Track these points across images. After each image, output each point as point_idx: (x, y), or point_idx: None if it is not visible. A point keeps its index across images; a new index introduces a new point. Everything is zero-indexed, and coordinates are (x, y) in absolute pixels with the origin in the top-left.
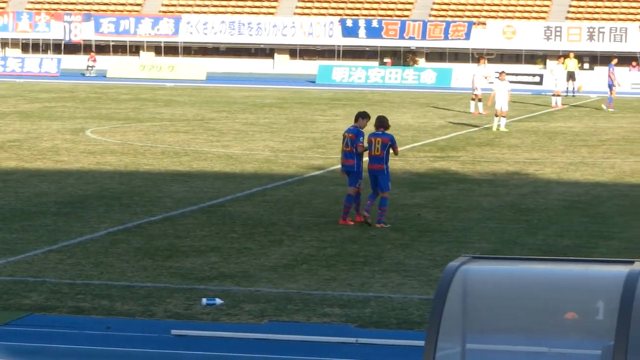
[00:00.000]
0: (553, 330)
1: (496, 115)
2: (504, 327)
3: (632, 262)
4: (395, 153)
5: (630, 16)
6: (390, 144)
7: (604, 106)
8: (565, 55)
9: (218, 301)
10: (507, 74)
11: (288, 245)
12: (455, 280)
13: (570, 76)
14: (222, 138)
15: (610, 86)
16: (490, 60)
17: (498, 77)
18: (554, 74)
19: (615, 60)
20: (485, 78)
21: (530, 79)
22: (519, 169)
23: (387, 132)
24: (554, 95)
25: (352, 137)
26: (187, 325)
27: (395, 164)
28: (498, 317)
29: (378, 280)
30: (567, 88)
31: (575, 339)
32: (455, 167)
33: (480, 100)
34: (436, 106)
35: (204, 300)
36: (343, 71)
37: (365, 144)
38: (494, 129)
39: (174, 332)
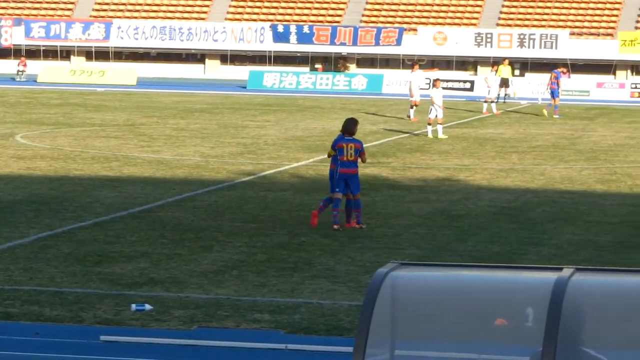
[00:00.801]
0: (482, 336)
1: (429, 124)
2: (433, 333)
3: (560, 269)
4: (363, 160)
5: (560, 23)
6: (361, 149)
7: (555, 116)
8: (498, 62)
9: (147, 307)
10: (437, 80)
11: (218, 251)
12: (384, 286)
13: (504, 83)
14: (152, 143)
15: (555, 93)
16: (420, 67)
17: (433, 85)
18: (487, 82)
19: (562, 69)
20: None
21: (461, 85)
22: (449, 175)
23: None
24: (485, 101)
25: (358, 146)
26: (117, 331)
27: (325, 170)
28: (427, 323)
29: (308, 287)
30: (499, 94)
31: (504, 345)
32: (385, 173)
33: (416, 106)
34: (367, 112)
35: (134, 306)
36: (274, 77)
37: (332, 152)
38: (430, 135)
39: (103, 338)
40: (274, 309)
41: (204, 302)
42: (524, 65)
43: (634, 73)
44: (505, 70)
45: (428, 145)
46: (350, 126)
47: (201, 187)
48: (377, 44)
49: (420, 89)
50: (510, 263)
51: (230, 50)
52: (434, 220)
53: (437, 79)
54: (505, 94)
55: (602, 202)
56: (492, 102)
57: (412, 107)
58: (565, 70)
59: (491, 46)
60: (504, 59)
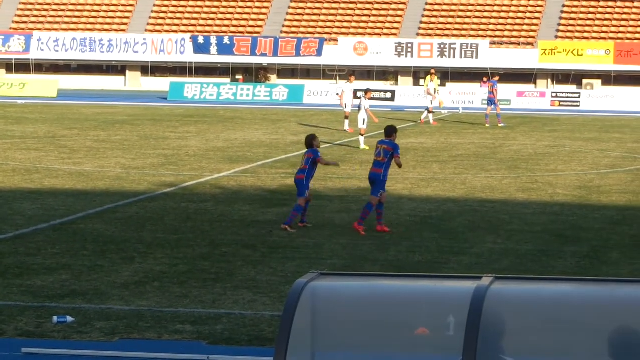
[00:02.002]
0: (404, 345)
1: (361, 134)
2: (354, 343)
3: (480, 278)
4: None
5: (481, 32)
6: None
7: (500, 124)
8: (427, 71)
9: (69, 319)
10: (360, 90)
11: (139, 262)
12: (304, 296)
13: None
14: (73, 155)
15: (492, 102)
16: (341, 77)
17: (364, 96)
18: (430, 92)
19: (497, 78)
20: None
21: (382, 95)
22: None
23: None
24: (429, 111)
25: (389, 149)
26: (38, 343)
27: (246, 180)
28: (348, 333)
29: (230, 297)
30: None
31: (426, 355)
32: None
33: (347, 117)
34: (288, 122)
35: (55, 318)
36: (195, 88)
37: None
38: (362, 147)
39: (24, 350)
40: (196, 320)
41: (126, 314)
42: (445, 75)
43: (554, 82)
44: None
45: (349, 156)
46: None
47: (122, 198)
48: (297, 54)
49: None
50: (432, 272)
51: (151, 62)
52: (355, 231)
53: (368, 90)
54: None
55: (523, 211)
56: (430, 112)
57: (346, 118)
58: (498, 78)
59: (412, 56)
60: (432, 69)
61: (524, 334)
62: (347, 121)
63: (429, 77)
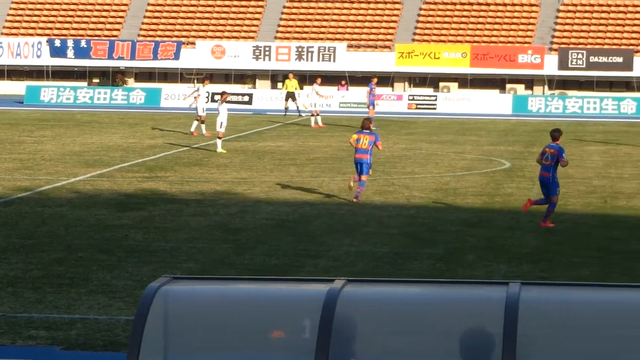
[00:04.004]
0: (259, 349)
1: (219, 137)
2: (209, 347)
3: (332, 281)
4: (378, 148)
5: (338, 36)
6: (375, 140)
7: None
8: (286, 75)
9: None
10: (216, 94)
11: None
12: (156, 301)
13: (290, 96)
14: None
15: (373, 104)
16: (199, 81)
17: (220, 99)
18: (310, 97)
19: (375, 80)
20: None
21: (239, 98)
22: (227, 188)
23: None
24: (312, 115)
25: (555, 152)
26: None
27: (103, 184)
28: (202, 336)
29: (85, 302)
30: (286, 107)
31: (282, 358)
32: (163, 187)
33: (203, 122)
34: (145, 126)
35: None
36: (51, 91)
37: (355, 138)
38: (219, 150)
39: None
40: (50, 325)
41: None
42: (303, 78)
43: (411, 85)
44: (291, 84)
45: (206, 159)
46: (368, 123)
47: None
48: (155, 58)
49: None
50: (288, 276)
51: (7, 66)
52: (212, 234)
53: (224, 93)
54: (286, 108)
55: (379, 214)
56: (317, 115)
57: (201, 122)
58: (376, 80)
59: (269, 59)
60: (290, 72)
61: (376, 336)
62: (203, 125)
63: (287, 81)
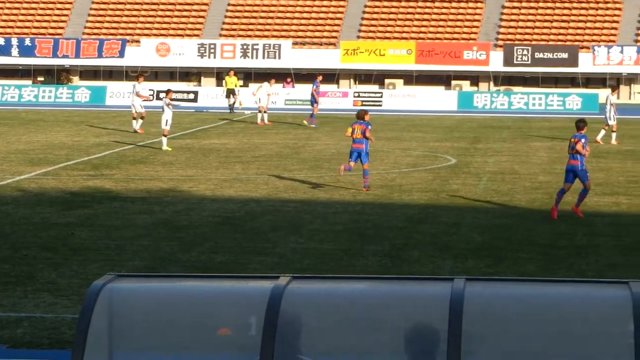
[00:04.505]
0: (205, 346)
1: (164, 135)
2: (155, 344)
3: (277, 277)
4: (367, 137)
5: (283, 33)
6: (365, 127)
7: (305, 122)
8: (226, 72)
9: None
10: (162, 92)
11: None
12: (101, 299)
13: (231, 93)
14: None
15: (313, 102)
16: (144, 78)
17: (165, 96)
18: (255, 94)
19: (320, 78)
20: (140, 96)
21: (185, 96)
22: (173, 186)
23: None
24: (259, 111)
25: (577, 141)
26: None
27: (48, 182)
28: (147, 334)
29: (30, 300)
30: (230, 105)
31: (228, 355)
32: (109, 185)
33: (143, 117)
34: (90, 124)
35: None
36: None
37: (350, 130)
38: (165, 148)
39: None
40: None
41: None
42: (248, 76)
43: (356, 82)
44: (230, 81)
45: (152, 157)
46: (363, 114)
47: None
48: (100, 55)
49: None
50: (234, 273)
51: None
52: (157, 232)
53: (169, 90)
54: (232, 105)
55: (325, 211)
56: (264, 112)
57: (138, 119)
58: (321, 78)
59: (214, 57)
60: (230, 70)
61: (321, 332)
62: (141, 121)
63: (227, 78)
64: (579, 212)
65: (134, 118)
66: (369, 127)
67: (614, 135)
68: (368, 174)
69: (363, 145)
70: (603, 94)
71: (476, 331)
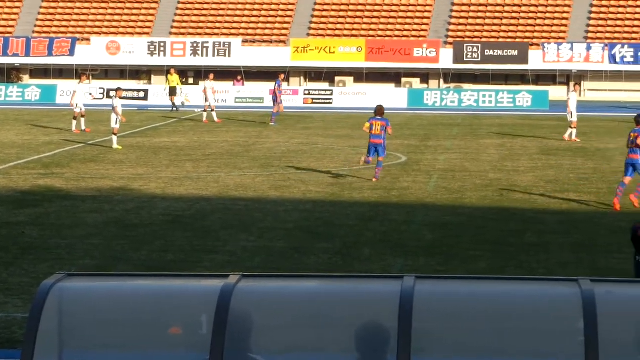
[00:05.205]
0: (156, 344)
1: (114, 134)
2: (105, 344)
3: (227, 276)
4: (389, 133)
5: (233, 31)
6: (386, 125)
7: (272, 123)
8: (168, 70)
9: None
10: (112, 90)
11: None
12: (50, 298)
13: (173, 91)
14: None
15: (275, 101)
16: (95, 77)
17: (115, 95)
18: (205, 92)
19: (282, 76)
20: (91, 95)
21: (135, 94)
22: (123, 184)
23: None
24: (204, 110)
25: (637, 135)
26: None
27: None
28: (97, 333)
29: None
30: (174, 103)
31: (179, 353)
32: (59, 184)
33: (83, 116)
34: (41, 123)
35: None
36: None
37: (368, 125)
38: (115, 146)
39: None
40: None
41: None
42: (198, 74)
43: (307, 80)
44: (173, 79)
45: (102, 156)
46: (382, 110)
47: None
48: (50, 54)
49: (95, 99)
50: (184, 271)
51: None
52: (108, 230)
53: (119, 88)
54: (174, 103)
55: (276, 209)
56: (212, 110)
57: (75, 119)
58: (282, 76)
59: (165, 55)
60: (171, 68)
61: (272, 331)
62: (83, 119)
63: (169, 76)
64: (635, 202)
65: (75, 117)
66: (389, 124)
67: (571, 131)
68: (382, 165)
69: (381, 140)
70: (553, 91)
71: (426, 328)
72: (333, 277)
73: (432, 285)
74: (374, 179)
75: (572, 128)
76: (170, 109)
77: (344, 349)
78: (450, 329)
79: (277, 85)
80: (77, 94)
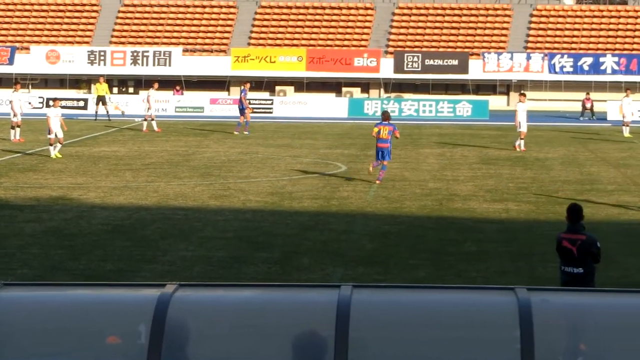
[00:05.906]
0: (94, 354)
1: (51, 144)
2: (42, 354)
3: (164, 285)
4: (396, 137)
5: (174, 40)
6: (393, 129)
7: (245, 132)
8: (101, 78)
9: None
10: (50, 99)
11: None
12: None
13: (101, 100)
14: None
15: (242, 110)
16: (34, 86)
17: (53, 104)
18: (148, 101)
19: (247, 85)
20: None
21: (75, 103)
22: (62, 194)
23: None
24: (144, 120)
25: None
26: None
27: None
28: (34, 343)
29: None
30: (100, 111)
31: None
32: None
33: (19, 126)
34: None
35: None
36: None
37: (376, 130)
38: (53, 155)
39: None
40: None
41: None
42: (138, 83)
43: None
44: (101, 88)
45: (41, 165)
46: (388, 115)
47: None
48: None
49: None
50: (123, 281)
51: None
52: (47, 240)
53: (56, 99)
54: (97, 112)
55: (215, 218)
56: (152, 120)
57: (12, 128)
58: (248, 85)
59: (105, 64)
60: (100, 77)
61: (209, 340)
62: (18, 129)
63: (97, 85)
64: None
65: (12, 127)
66: (396, 128)
67: (520, 142)
68: (386, 169)
69: (388, 144)
70: (493, 100)
71: (363, 337)
72: (270, 286)
73: (369, 294)
74: (377, 182)
75: (521, 139)
76: (95, 118)
77: (282, 358)
78: (387, 338)
79: (242, 94)
80: (14, 103)
